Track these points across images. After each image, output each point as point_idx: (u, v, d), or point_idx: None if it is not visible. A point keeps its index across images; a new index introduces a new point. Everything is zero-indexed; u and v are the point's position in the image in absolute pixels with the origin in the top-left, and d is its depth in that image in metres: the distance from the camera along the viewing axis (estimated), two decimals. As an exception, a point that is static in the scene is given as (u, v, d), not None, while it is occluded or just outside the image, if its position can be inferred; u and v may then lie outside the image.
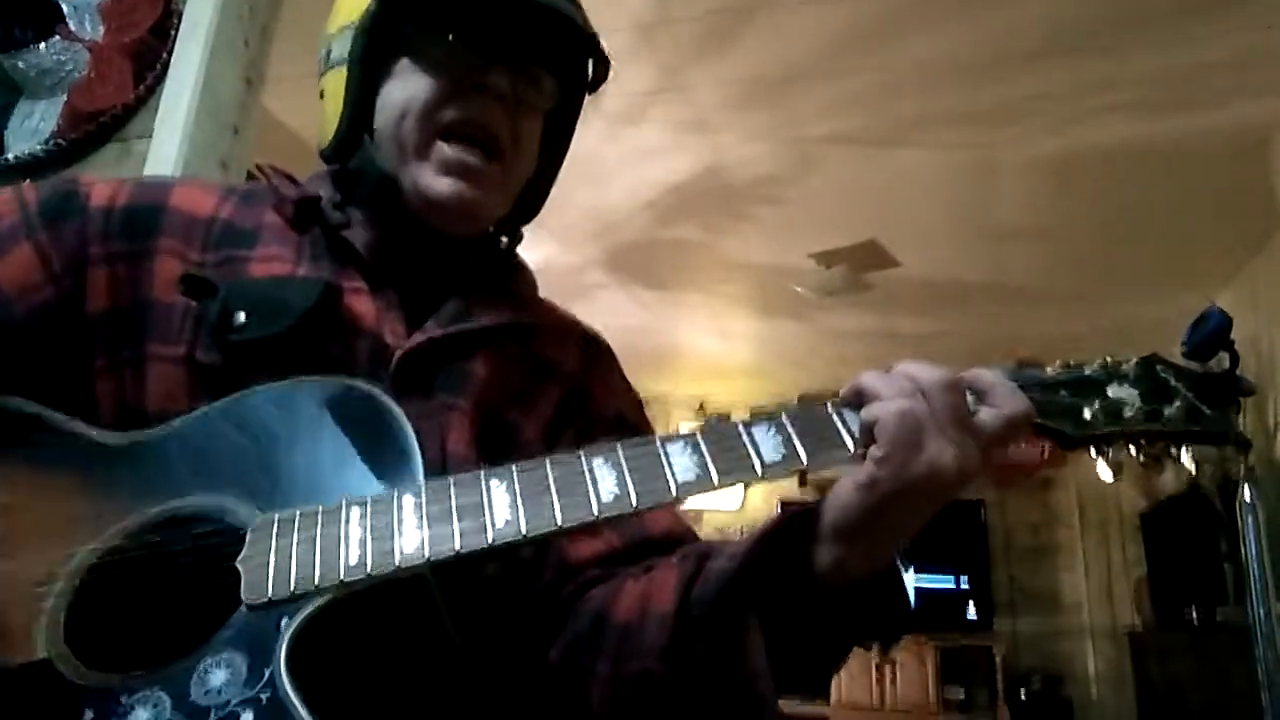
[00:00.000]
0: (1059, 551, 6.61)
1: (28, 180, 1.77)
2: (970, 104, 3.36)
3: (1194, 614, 4.64)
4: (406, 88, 0.87)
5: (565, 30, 0.88)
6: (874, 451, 0.67)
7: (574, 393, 0.95)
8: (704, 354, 6.47)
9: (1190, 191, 3.84)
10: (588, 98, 1.02)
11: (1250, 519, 3.05)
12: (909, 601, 0.75)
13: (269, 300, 0.81)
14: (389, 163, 0.88)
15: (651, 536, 0.87)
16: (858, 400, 0.71)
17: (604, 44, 0.93)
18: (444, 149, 0.85)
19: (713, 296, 5.43)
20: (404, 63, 0.88)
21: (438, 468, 0.74)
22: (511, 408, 0.88)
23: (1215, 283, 4.69)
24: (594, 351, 1.02)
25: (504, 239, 1.01)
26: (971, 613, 6.34)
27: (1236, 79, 3.12)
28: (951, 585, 6.35)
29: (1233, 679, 3.71)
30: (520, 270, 1.04)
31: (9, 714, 0.61)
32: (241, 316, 0.79)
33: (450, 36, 0.86)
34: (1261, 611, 3.04)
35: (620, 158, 3.86)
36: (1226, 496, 3.37)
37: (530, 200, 0.99)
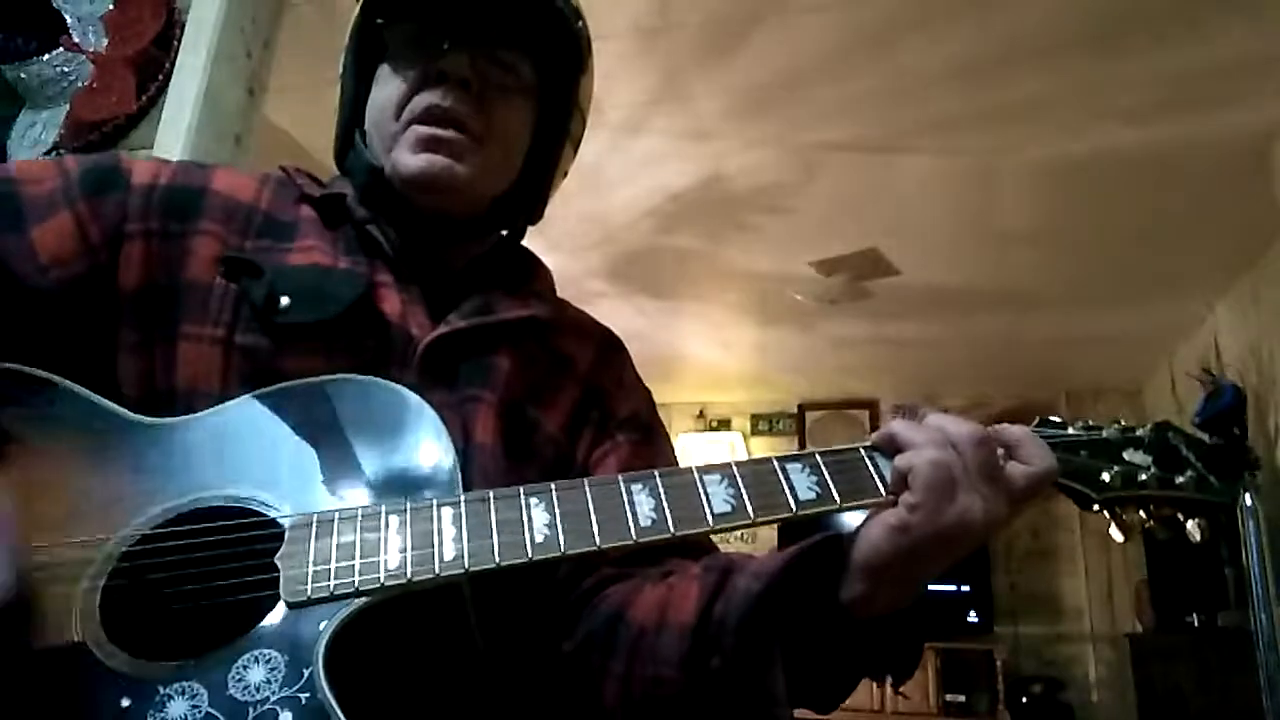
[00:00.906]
0: (1060, 556, 6.60)
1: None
2: (971, 111, 3.37)
3: (1195, 619, 4.64)
4: (384, 89, 0.92)
5: (537, 11, 0.90)
6: (907, 498, 0.69)
7: (590, 390, 0.97)
8: (705, 361, 6.47)
9: (1191, 197, 3.84)
10: (589, 107, 1.03)
11: (1252, 524, 3.06)
12: (925, 638, 0.77)
13: (314, 288, 0.83)
14: (376, 158, 0.92)
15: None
16: (889, 446, 0.73)
17: (577, 22, 0.94)
18: (415, 128, 0.89)
19: (713, 304, 5.43)
20: (384, 68, 0.93)
21: (462, 458, 0.75)
22: (532, 403, 0.90)
23: (1216, 288, 4.69)
24: (609, 349, 1.04)
25: (504, 232, 1.03)
26: (972, 617, 6.34)
27: (1238, 85, 3.12)
28: (952, 590, 6.35)
29: (1234, 684, 3.71)
30: (538, 268, 1.06)
31: (45, 697, 0.61)
32: (285, 300, 0.81)
33: (415, 32, 0.91)
34: (1263, 617, 3.04)
35: (621, 166, 3.86)
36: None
37: (531, 187, 1.00)
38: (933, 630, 6.00)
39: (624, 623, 0.81)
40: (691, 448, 6.83)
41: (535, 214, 1.03)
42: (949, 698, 5.95)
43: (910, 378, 6.52)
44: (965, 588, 6.34)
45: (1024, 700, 6.01)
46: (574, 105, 0.99)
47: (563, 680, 0.84)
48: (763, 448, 7.11)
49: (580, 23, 0.95)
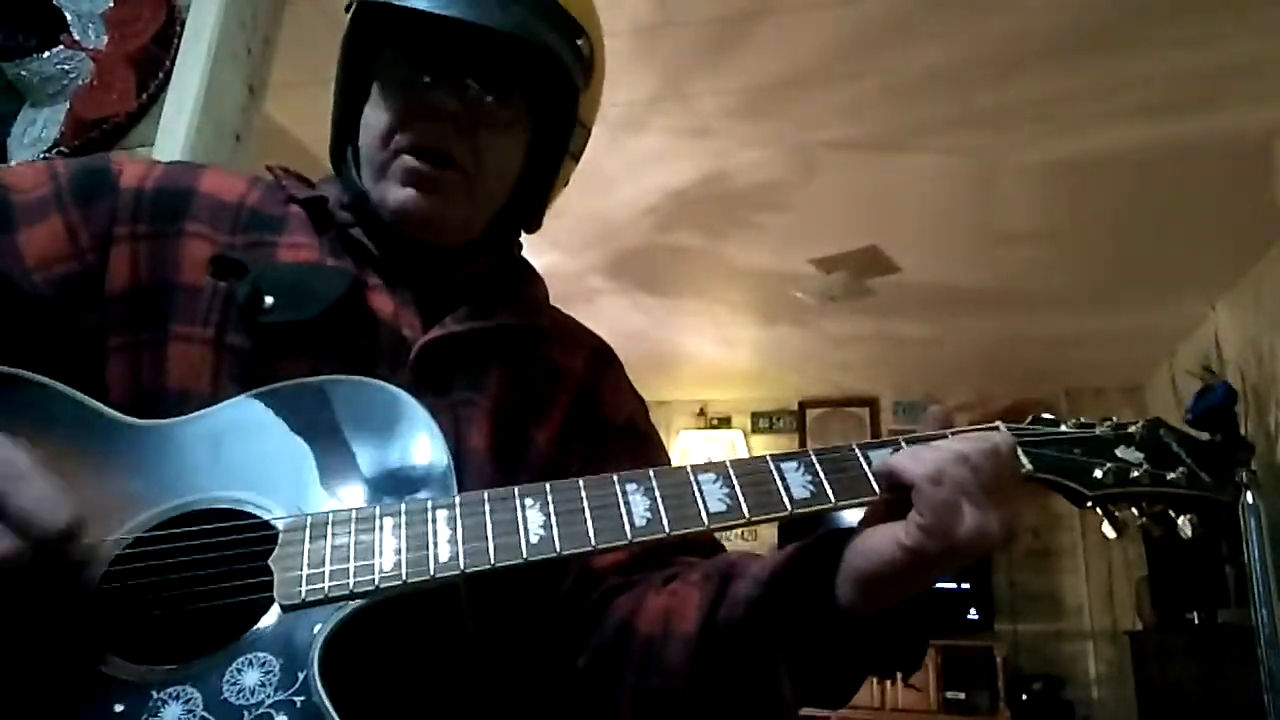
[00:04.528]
0: (1060, 554, 6.60)
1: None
2: (972, 109, 3.36)
3: (1195, 616, 4.64)
4: (374, 112, 0.90)
5: (530, 43, 0.87)
6: (916, 519, 0.67)
7: (583, 399, 0.96)
8: (705, 359, 6.47)
9: (1193, 196, 3.84)
10: (595, 116, 1.02)
11: (1253, 521, 3.06)
12: (930, 630, 0.75)
13: (298, 286, 0.82)
14: (365, 180, 0.91)
15: (671, 540, 0.88)
16: (890, 479, 0.71)
17: (578, 39, 0.91)
18: (403, 159, 0.87)
19: (714, 302, 5.43)
20: (375, 86, 0.90)
21: (455, 464, 0.74)
22: (525, 414, 0.89)
23: (1218, 287, 4.69)
24: (602, 359, 1.03)
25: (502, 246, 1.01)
26: (973, 615, 6.34)
27: (1239, 84, 3.11)
28: (953, 587, 6.35)
29: (1234, 681, 3.71)
30: (532, 278, 1.05)
31: (37, 703, 0.60)
32: (270, 300, 0.80)
33: (405, 55, 0.88)
34: (1264, 614, 3.05)
35: (622, 165, 3.86)
36: (1228, 499, 3.38)
37: (526, 207, 0.98)
38: (935, 624, 5.98)
39: (631, 633, 0.81)
40: (692, 446, 6.83)
41: (532, 226, 1.01)
42: (949, 695, 5.95)
43: (910, 375, 6.52)
44: (965, 585, 6.34)
45: (1024, 698, 6.01)
46: (574, 122, 0.96)
47: (581, 694, 0.84)
48: (763, 445, 7.11)
49: (580, 40, 0.91)
